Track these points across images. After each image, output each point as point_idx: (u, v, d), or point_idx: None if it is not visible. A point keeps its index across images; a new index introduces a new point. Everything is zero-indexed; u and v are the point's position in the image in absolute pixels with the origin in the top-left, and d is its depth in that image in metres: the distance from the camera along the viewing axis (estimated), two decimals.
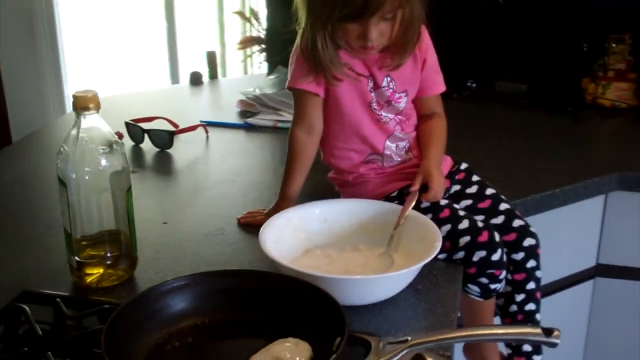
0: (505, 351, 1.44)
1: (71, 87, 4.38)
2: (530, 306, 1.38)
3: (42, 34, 3.54)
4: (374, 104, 1.34)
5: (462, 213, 1.29)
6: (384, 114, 1.35)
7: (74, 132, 1.12)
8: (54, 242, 1.32)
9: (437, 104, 1.43)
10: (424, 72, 1.38)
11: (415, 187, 1.30)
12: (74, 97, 1.10)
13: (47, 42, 3.81)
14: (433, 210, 1.29)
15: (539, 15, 2.43)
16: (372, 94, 1.34)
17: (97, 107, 1.11)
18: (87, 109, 1.10)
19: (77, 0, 4.41)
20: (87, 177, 1.12)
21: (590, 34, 2.31)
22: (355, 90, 1.33)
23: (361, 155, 1.38)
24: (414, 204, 1.26)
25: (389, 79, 1.34)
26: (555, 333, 0.82)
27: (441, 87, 1.42)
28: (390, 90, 1.34)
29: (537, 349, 1.40)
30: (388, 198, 1.36)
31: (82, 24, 4.51)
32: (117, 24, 4.81)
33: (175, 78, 4.93)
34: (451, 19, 2.15)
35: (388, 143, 1.37)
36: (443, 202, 1.31)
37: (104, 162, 1.12)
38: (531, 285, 1.36)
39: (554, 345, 0.83)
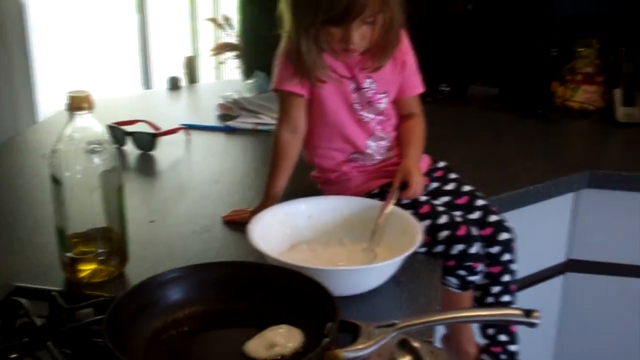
0: (482, 342, 1.49)
1: (42, 93, 4.38)
2: (506, 298, 1.43)
3: (13, 41, 3.54)
4: (356, 105, 1.39)
5: (441, 209, 1.34)
6: (365, 114, 1.40)
7: (67, 131, 1.15)
8: (43, 240, 1.35)
9: (416, 104, 1.48)
10: (404, 74, 1.43)
11: (396, 184, 1.35)
12: (69, 96, 1.13)
13: (18, 49, 3.81)
14: (413, 206, 1.34)
15: (509, 20, 2.51)
16: (354, 95, 1.39)
17: (91, 107, 1.14)
18: (81, 108, 1.13)
19: (49, 7, 4.40)
20: (79, 176, 1.16)
21: (559, 38, 2.39)
22: (338, 92, 1.38)
23: (344, 154, 1.43)
24: (394, 200, 1.32)
25: (370, 80, 1.39)
26: (535, 314, 0.87)
27: (420, 89, 1.47)
28: (372, 91, 1.39)
29: (512, 339, 1.46)
30: (370, 195, 1.41)
31: (53, 32, 4.51)
32: (89, 31, 4.81)
33: (147, 84, 4.94)
34: (424, 24, 2.20)
35: (369, 142, 1.42)
36: (423, 198, 1.37)
37: (96, 160, 1.16)
38: (506, 277, 1.42)
39: (533, 325, 0.88)
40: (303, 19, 1.30)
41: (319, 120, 1.41)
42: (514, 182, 1.68)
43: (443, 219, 1.31)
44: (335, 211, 1.34)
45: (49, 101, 4.43)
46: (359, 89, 1.39)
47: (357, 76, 1.38)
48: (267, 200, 1.43)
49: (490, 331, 1.46)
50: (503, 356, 1.46)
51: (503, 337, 1.45)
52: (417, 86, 1.47)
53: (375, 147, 1.43)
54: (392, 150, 1.45)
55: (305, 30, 1.30)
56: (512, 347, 1.46)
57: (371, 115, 1.41)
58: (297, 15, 1.31)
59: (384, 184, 1.41)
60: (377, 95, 1.40)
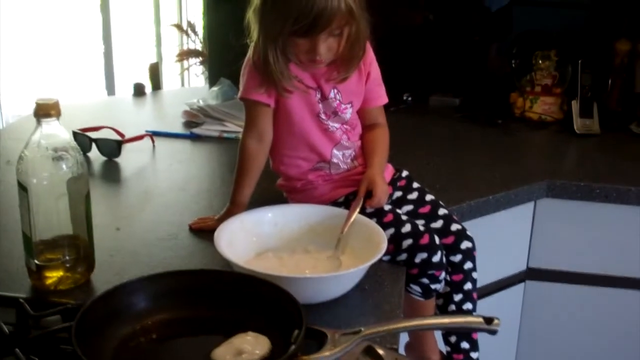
0: (444, 349, 1.52)
1: (3, 100, 4.34)
2: (468, 305, 1.46)
3: None
4: (322, 115, 1.41)
5: (404, 217, 1.37)
6: (331, 123, 1.43)
7: (34, 137, 1.15)
8: (8, 246, 1.35)
9: (380, 115, 1.51)
10: (368, 84, 1.46)
11: (361, 193, 1.37)
12: (36, 103, 1.13)
13: None
14: (377, 214, 1.36)
15: (469, 31, 2.56)
16: (320, 105, 1.41)
17: (58, 114, 1.15)
18: (48, 115, 1.14)
19: (9, 13, 4.36)
20: (46, 182, 1.16)
21: (518, 50, 2.44)
22: (304, 102, 1.40)
23: (309, 163, 1.45)
24: (359, 209, 1.34)
25: (335, 90, 1.41)
26: (495, 322, 0.90)
27: (384, 99, 1.50)
28: (337, 101, 1.42)
29: (474, 346, 1.49)
30: (335, 203, 1.43)
31: (15, 38, 4.46)
32: (51, 36, 4.77)
33: (110, 89, 4.92)
34: (386, 35, 2.24)
35: (335, 151, 1.44)
36: (386, 207, 1.39)
37: (63, 167, 1.16)
38: (468, 285, 1.45)
39: (494, 332, 0.91)
40: (270, 30, 1.31)
41: (285, 129, 1.43)
42: (475, 191, 1.72)
43: (407, 228, 1.34)
44: (300, 219, 1.36)
45: (10, 108, 4.39)
46: (324, 99, 1.41)
47: (322, 86, 1.40)
48: (233, 207, 1.44)
49: (453, 339, 1.49)
50: None
51: (465, 345, 1.48)
52: (381, 97, 1.49)
53: (341, 157, 1.46)
54: (357, 159, 1.48)
55: (273, 41, 1.32)
56: (474, 355, 1.49)
57: (337, 125, 1.44)
58: (264, 25, 1.33)
59: (348, 193, 1.43)
60: (343, 106, 1.43)
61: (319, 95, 1.40)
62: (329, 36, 1.30)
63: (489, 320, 0.90)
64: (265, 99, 1.39)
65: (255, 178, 1.45)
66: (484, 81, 2.54)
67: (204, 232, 1.42)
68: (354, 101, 1.45)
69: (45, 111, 1.14)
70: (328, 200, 1.44)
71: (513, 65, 2.44)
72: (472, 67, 2.55)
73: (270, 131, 1.43)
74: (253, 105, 1.42)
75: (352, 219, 1.32)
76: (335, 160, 1.45)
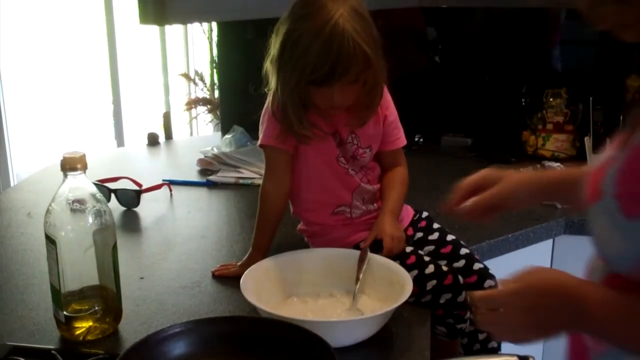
0: None
1: (15, 154, 4.38)
2: (493, 344, 1.46)
3: None
4: (341, 159, 1.43)
5: (427, 258, 1.38)
6: (350, 168, 1.44)
7: (61, 190, 1.17)
8: (35, 298, 1.36)
9: (399, 156, 1.53)
10: (385, 128, 1.48)
11: (366, 244, 1.39)
12: (64, 157, 1.15)
13: None
14: (400, 257, 1.37)
15: (479, 72, 2.59)
16: (338, 150, 1.43)
17: (84, 168, 1.17)
18: (74, 169, 1.16)
19: (18, 68, 4.43)
20: (72, 235, 1.18)
21: (529, 89, 2.47)
22: (323, 147, 1.42)
23: (329, 208, 1.47)
24: (367, 259, 1.34)
25: (353, 135, 1.43)
26: (530, 359, 0.90)
27: (402, 142, 1.52)
28: (355, 145, 1.44)
29: None
30: (357, 246, 1.44)
31: (24, 92, 4.53)
32: (60, 88, 4.83)
33: (120, 140, 4.95)
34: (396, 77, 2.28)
35: (355, 195, 1.46)
36: (408, 249, 1.40)
37: (90, 219, 1.18)
38: None
39: None
40: (288, 80, 1.34)
41: (305, 174, 1.45)
42: (493, 231, 1.72)
43: (430, 269, 1.34)
44: (324, 263, 1.37)
45: (20, 162, 4.43)
46: (342, 143, 1.43)
47: (340, 131, 1.42)
48: (254, 252, 1.45)
49: None
50: None
51: None
52: (399, 139, 1.51)
53: (361, 200, 1.47)
54: (376, 202, 1.49)
55: (291, 90, 1.34)
56: None
57: (356, 169, 1.45)
58: (282, 75, 1.35)
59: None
60: (361, 150, 1.45)
61: (337, 140, 1.42)
62: (347, 84, 1.32)
63: (523, 359, 0.90)
64: (284, 145, 1.41)
65: (276, 223, 1.47)
66: (495, 120, 2.56)
67: (227, 279, 1.43)
68: (372, 145, 1.46)
69: (72, 165, 1.16)
70: (349, 244, 1.45)
71: (524, 103, 2.46)
72: (483, 106, 2.57)
73: (289, 177, 1.45)
74: (272, 151, 1.44)
75: (361, 273, 1.32)
76: (356, 202, 1.46)
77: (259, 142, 1.45)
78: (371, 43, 1.30)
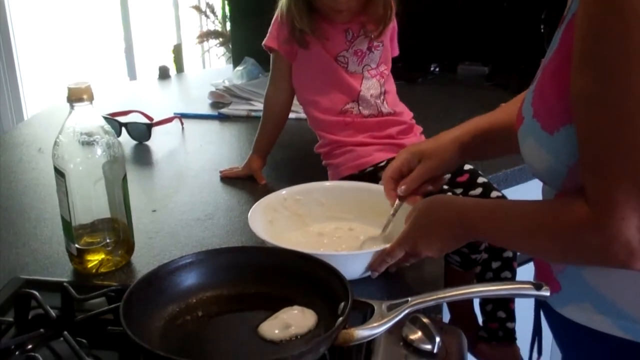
0: (480, 319, 1.50)
1: (27, 89, 4.36)
2: (506, 274, 1.44)
3: None
4: (344, 55, 1.48)
5: (445, 187, 1.35)
6: (356, 66, 1.49)
7: (68, 122, 1.15)
8: (47, 232, 1.36)
9: None
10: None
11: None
12: (69, 88, 1.13)
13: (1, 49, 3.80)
14: None
15: None
16: (348, 44, 1.47)
17: (91, 99, 1.14)
18: (81, 100, 1.13)
19: (30, 3, 4.38)
20: (81, 167, 1.16)
21: (548, 15, 2.40)
22: (328, 45, 1.46)
23: (339, 105, 1.49)
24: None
25: (364, 29, 1.47)
26: (545, 287, 0.88)
27: (395, 52, 1.58)
28: (368, 38, 1.48)
29: (510, 316, 1.45)
30: (376, 167, 1.43)
31: (35, 26, 4.48)
32: (72, 23, 4.78)
33: (132, 73, 4.92)
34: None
35: (363, 88, 1.48)
36: None
37: (99, 151, 1.16)
38: (508, 253, 1.43)
39: (544, 297, 0.89)
40: None
41: (313, 74, 1.50)
42: (510, 160, 1.69)
43: None
44: (344, 196, 1.34)
45: (31, 98, 4.42)
46: (354, 38, 1.47)
47: (352, 28, 1.46)
48: (253, 155, 1.56)
49: (489, 307, 1.46)
50: (500, 333, 1.47)
51: (501, 314, 1.45)
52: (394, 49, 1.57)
53: (369, 94, 1.49)
54: (388, 104, 1.51)
55: None
56: (510, 324, 1.45)
57: (371, 65, 1.50)
58: None
59: (390, 157, 1.41)
60: (375, 42, 1.49)
61: (349, 36, 1.46)
62: None
63: (538, 286, 0.88)
64: (288, 49, 1.47)
65: (275, 128, 1.56)
66: (513, 48, 2.50)
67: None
68: (384, 40, 1.50)
69: (77, 96, 1.13)
70: (368, 164, 1.44)
71: (542, 30, 2.40)
72: (501, 34, 2.51)
73: (287, 85, 1.52)
74: (276, 56, 1.51)
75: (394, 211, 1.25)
76: (363, 94, 1.48)
77: (264, 42, 1.51)
78: None
